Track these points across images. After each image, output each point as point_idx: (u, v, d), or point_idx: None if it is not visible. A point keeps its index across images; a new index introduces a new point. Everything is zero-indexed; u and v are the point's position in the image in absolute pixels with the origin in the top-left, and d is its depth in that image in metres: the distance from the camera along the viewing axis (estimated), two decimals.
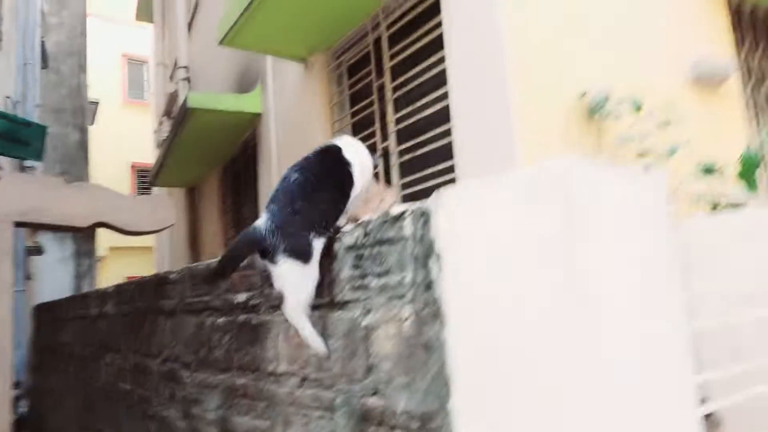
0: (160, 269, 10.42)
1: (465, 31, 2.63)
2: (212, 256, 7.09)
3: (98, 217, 1.82)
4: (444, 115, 2.83)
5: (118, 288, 2.80)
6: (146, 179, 11.24)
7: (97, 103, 11.95)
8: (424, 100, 2.92)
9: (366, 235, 1.09)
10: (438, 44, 2.88)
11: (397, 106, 3.17)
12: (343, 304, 1.14)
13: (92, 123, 11.49)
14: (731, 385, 0.87)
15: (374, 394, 1.03)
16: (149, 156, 12.30)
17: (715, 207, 1.95)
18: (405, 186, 3.10)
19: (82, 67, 11.14)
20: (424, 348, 0.91)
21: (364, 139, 3.47)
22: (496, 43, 2.35)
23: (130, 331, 2.49)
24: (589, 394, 0.64)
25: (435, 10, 2.87)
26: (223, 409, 1.57)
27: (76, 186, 1.82)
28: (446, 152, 2.80)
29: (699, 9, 3.19)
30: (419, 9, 3.08)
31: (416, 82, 3.03)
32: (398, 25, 3.21)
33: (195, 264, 1.89)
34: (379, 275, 1.05)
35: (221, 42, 3.59)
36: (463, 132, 2.59)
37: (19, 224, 1.67)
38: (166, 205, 2.03)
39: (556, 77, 2.49)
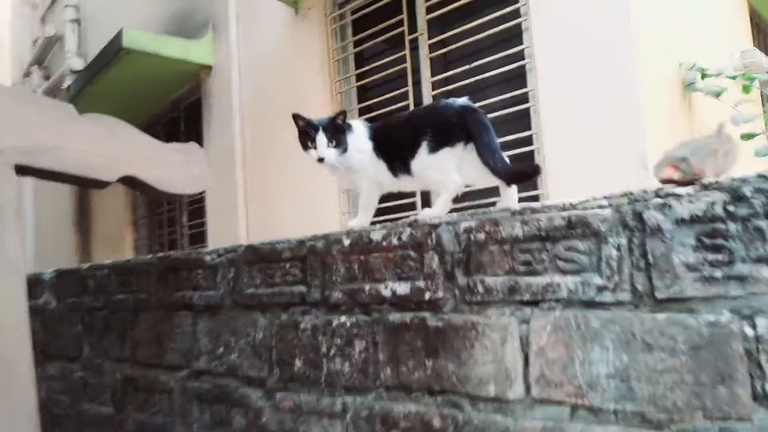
0: None
1: None
2: (109, 236, 5.98)
3: (127, 169, 1.21)
4: (502, 81, 2.47)
5: (65, 274, 2.07)
6: None
7: None
8: (480, 62, 2.51)
9: (738, 199, 0.75)
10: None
11: (433, 67, 2.73)
12: (676, 302, 0.79)
13: None
14: None
15: None
16: None
17: None
18: None
19: None
20: None
21: (379, 105, 2.95)
22: (619, 4, 2.03)
23: (103, 332, 1.83)
24: None
25: None
26: None
27: (91, 118, 1.18)
28: (506, 120, 2.43)
29: None
30: None
31: (466, 41, 2.58)
32: None
33: (258, 243, 1.37)
34: None
35: None
36: (551, 99, 2.22)
37: (21, 170, 1.02)
38: (201, 158, 1.44)
39: (668, 47, 2.26)
